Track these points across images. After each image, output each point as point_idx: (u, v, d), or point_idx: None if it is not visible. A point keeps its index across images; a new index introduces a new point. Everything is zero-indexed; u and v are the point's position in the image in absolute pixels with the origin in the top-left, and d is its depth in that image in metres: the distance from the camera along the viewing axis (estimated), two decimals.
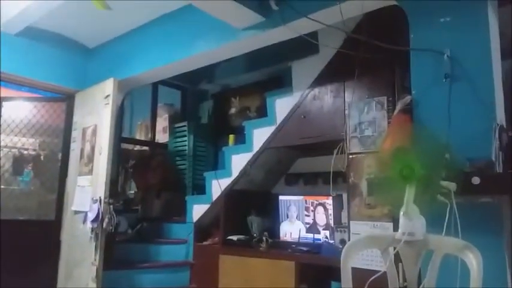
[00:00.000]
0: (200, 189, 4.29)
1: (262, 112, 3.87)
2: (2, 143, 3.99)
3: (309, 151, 3.71)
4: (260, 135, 3.62)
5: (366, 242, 1.58)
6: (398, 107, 2.22)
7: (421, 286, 1.54)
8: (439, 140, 1.80)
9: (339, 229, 3.14)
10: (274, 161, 3.78)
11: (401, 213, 1.47)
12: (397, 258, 1.58)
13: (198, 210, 3.97)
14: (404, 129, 2.01)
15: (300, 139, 3.32)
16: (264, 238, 3.50)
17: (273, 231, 3.63)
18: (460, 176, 1.68)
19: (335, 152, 2.97)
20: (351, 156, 2.84)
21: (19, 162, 4.09)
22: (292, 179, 3.96)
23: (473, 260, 1.30)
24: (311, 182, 3.78)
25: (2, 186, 3.98)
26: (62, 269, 3.69)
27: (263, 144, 3.58)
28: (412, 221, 1.44)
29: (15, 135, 4.05)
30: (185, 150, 4.67)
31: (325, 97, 3.18)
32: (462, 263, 1.43)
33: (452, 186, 1.65)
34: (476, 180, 1.68)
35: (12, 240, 3.72)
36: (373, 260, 2.50)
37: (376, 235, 1.95)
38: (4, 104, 4.01)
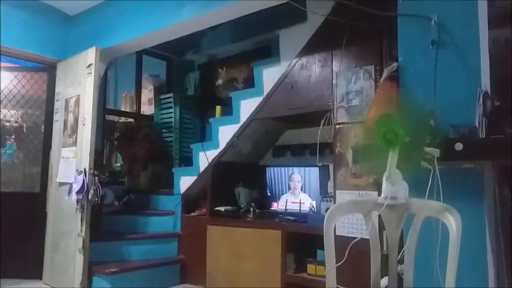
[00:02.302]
0: (187, 161, 4.28)
1: (250, 83, 3.82)
2: None
3: (297, 123, 3.69)
4: (247, 106, 3.58)
5: (349, 206, 1.59)
6: (385, 74, 2.20)
7: (402, 250, 1.56)
8: (424, 107, 1.79)
9: (325, 199, 3.17)
10: (261, 132, 3.76)
11: (384, 177, 1.47)
12: (381, 226, 1.59)
13: (185, 182, 3.97)
14: (390, 96, 1.99)
15: (287, 110, 3.29)
16: (251, 209, 3.53)
17: (260, 202, 3.65)
18: (443, 142, 1.68)
19: (322, 122, 2.96)
20: (337, 127, 2.83)
21: (1, 134, 4.01)
22: (279, 150, 3.97)
23: (452, 222, 1.32)
24: (298, 154, 3.79)
25: None
26: (49, 240, 3.68)
27: (250, 115, 3.55)
28: (394, 186, 1.45)
29: None
30: (171, 122, 4.62)
31: (313, 67, 3.14)
32: (443, 226, 1.45)
33: (435, 152, 1.66)
34: (459, 146, 1.69)
35: None
36: (357, 228, 2.54)
37: (359, 199, 1.97)
38: None
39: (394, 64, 2.17)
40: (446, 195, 1.58)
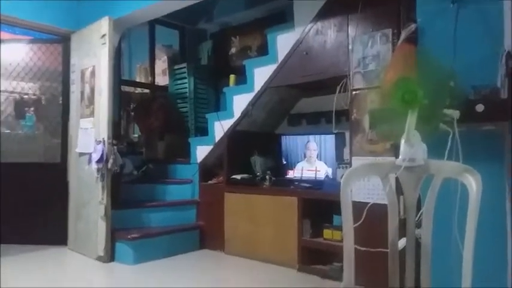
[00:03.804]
0: (202, 131, 4.32)
1: (264, 51, 3.79)
2: (2, 88, 3.97)
3: (312, 90, 3.66)
4: (261, 74, 3.56)
5: (366, 168, 1.59)
6: (403, 36, 2.14)
7: (419, 213, 1.57)
8: (444, 68, 1.75)
9: (341, 166, 3.18)
10: (276, 100, 3.74)
11: (403, 139, 1.46)
12: (398, 191, 1.59)
13: (201, 151, 4.02)
14: (408, 58, 1.94)
15: (302, 77, 3.26)
16: (267, 176, 3.56)
17: (276, 170, 3.68)
18: (464, 104, 1.65)
19: (338, 88, 2.93)
20: (354, 93, 2.81)
21: (20, 106, 4.09)
22: (295, 119, 3.96)
23: (472, 182, 1.31)
24: (314, 122, 3.78)
25: (6, 131, 4.02)
26: (72, 208, 3.80)
27: (264, 83, 3.53)
28: (413, 147, 1.44)
29: (14, 79, 4.01)
30: (186, 92, 4.63)
31: (328, 32, 3.07)
32: (462, 188, 1.44)
33: (455, 114, 1.63)
34: (480, 107, 1.66)
35: (21, 183, 3.83)
36: (373, 194, 2.55)
37: (376, 162, 1.97)
38: None
39: (413, 25, 2.11)
40: (466, 157, 1.56)
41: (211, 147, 3.93)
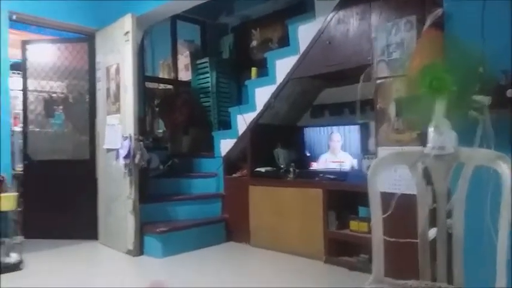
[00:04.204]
0: (225, 124, 4.35)
1: (285, 43, 3.76)
2: (31, 87, 4.10)
3: (335, 80, 3.61)
4: (283, 66, 3.54)
5: (394, 158, 1.56)
6: (429, 21, 2.08)
7: (450, 201, 1.53)
8: (472, 53, 1.69)
9: (366, 156, 3.14)
10: (298, 92, 3.72)
11: (432, 127, 1.43)
12: (427, 181, 1.56)
13: (225, 145, 4.05)
14: (434, 44, 1.89)
15: (325, 67, 3.22)
16: (291, 169, 3.56)
17: (300, 162, 3.67)
18: (494, 90, 1.60)
19: (361, 78, 2.88)
20: (378, 82, 2.75)
21: (49, 105, 4.21)
22: (317, 110, 3.92)
23: (506, 170, 1.27)
24: (337, 113, 3.74)
25: (37, 129, 4.15)
26: (101, 204, 3.91)
27: (286, 75, 3.52)
28: (442, 135, 1.40)
29: (42, 79, 4.14)
30: (208, 87, 4.66)
31: (351, 20, 3.03)
32: (492, 176, 1.40)
33: (485, 100, 1.59)
34: (511, 92, 1.61)
35: (52, 180, 3.95)
36: (399, 184, 2.50)
37: (404, 151, 1.93)
38: (28, 47, 4.07)
39: (439, 10, 2.05)
40: (497, 145, 1.52)
41: (235, 140, 3.96)
